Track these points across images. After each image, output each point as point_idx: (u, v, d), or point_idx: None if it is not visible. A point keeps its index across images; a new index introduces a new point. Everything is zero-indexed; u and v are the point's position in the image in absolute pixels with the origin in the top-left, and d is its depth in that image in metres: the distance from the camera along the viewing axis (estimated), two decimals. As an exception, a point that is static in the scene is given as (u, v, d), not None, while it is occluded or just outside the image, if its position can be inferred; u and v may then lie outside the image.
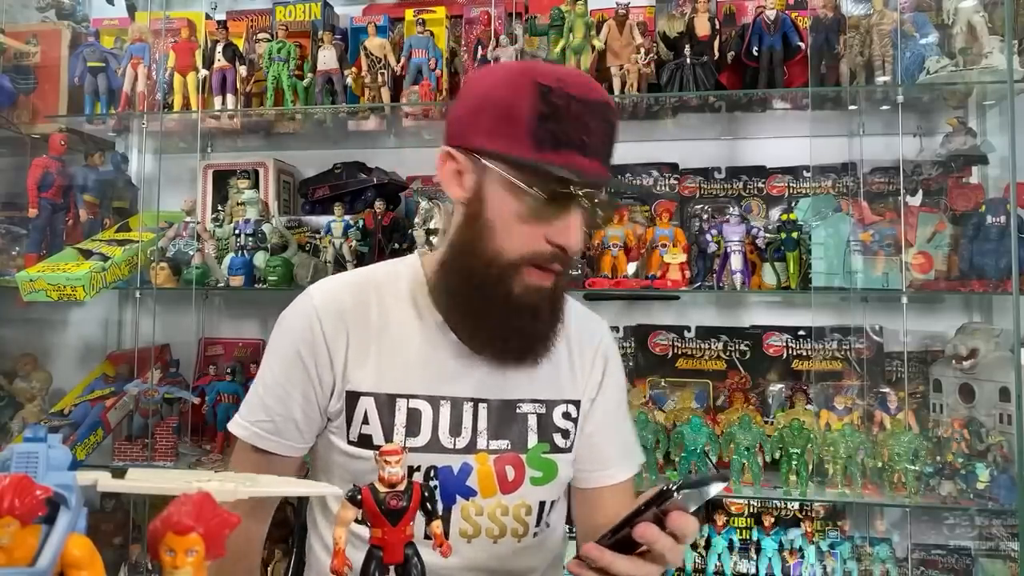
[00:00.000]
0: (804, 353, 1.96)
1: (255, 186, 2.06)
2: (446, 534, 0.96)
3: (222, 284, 1.97)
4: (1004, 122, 1.74)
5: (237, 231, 1.97)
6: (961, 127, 1.81)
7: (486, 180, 0.92)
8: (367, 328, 1.00)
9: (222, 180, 2.15)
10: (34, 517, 0.44)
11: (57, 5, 2.19)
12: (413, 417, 0.98)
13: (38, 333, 2.30)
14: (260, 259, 1.94)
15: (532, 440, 1.02)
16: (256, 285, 1.95)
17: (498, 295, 0.92)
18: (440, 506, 0.96)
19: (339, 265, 1.94)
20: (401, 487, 0.67)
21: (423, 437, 0.97)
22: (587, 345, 1.11)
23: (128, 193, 2.23)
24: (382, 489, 0.66)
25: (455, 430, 0.99)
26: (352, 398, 0.98)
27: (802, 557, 1.77)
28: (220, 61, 1.95)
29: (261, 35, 2.01)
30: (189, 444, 2.00)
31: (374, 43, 1.93)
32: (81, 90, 2.05)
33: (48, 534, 0.46)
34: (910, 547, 1.80)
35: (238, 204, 2.03)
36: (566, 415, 1.05)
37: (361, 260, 1.93)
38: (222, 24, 2.05)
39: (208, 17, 2.13)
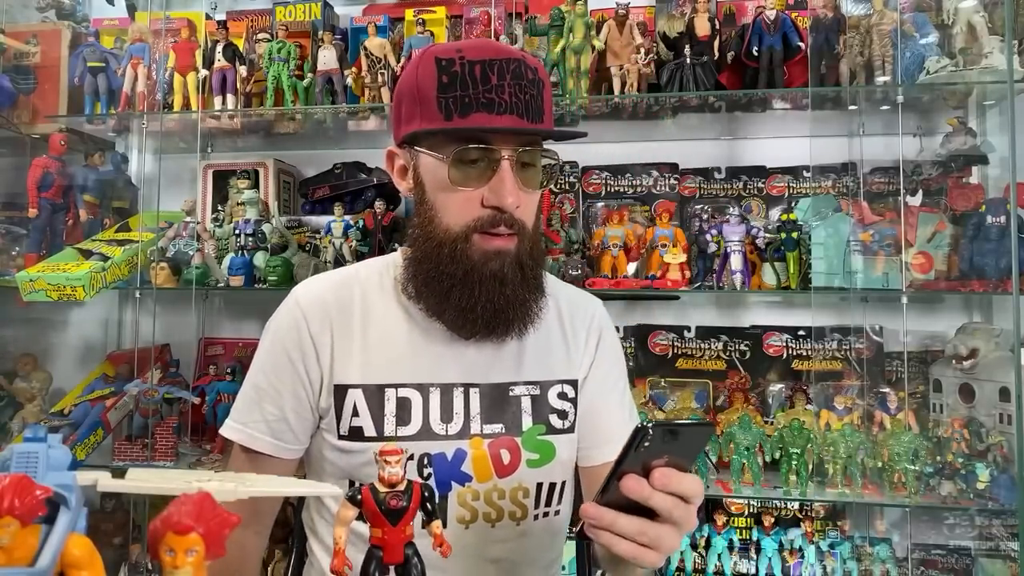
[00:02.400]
0: (804, 353, 1.96)
1: (255, 186, 2.06)
2: (444, 521, 0.96)
3: (222, 284, 1.97)
4: (1004, 122, 1.73)
5: (237, 231, 1.97)
6: (961, 127, 1.81)
7: (419, 165, 0.97)
8: (351, 323, 1.01)
9: (222, 180, 2.15)
10: (34, 517, 0.44)
11: (57, 5, 2.19)
12: (403, 406, 0.98)
13: (38, 333, 2.30)
14: (260, 259, 1.95)
15: (527, 423, 1.02)
16: (256, 285, 1.95)
17: (458, 269, 0.93)
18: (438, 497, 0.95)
19: (339, 265, 1.94)
20: (401, 487, 0.66)
21: (414, 425, 0.98)
22: (580, 322, 1.11)
23: (128, 193, 2.23)
24: (382, 489, 0.66)
25: (446, 416, 0.99)
26: (340, 392, 0.99)
27: (802, 557, 1.77)
28: (220, 61, 1.95)
29: (261, 35, 2.01)
30: (189, 444, 2.00)
31: (374, 43, 1.93)
32: (81, 90, 2.05)
33: (48, 534, 0.46)
34: (910, 547, 1.80)
35: (238, 204, 2.03)
36: (562, 395, 1.05)
37: (361, 260, 1.93)
38: (222, 24, 2.05)
39: (208, 17, 2.13)
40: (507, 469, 1.00)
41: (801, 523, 1.83)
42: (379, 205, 1.94)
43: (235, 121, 2.08)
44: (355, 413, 0.98)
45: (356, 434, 0.98)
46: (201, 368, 2.16)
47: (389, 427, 0.97)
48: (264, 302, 2.23)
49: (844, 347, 1.91)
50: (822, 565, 1.76)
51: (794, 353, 1.96)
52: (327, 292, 1.04)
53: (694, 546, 1.85)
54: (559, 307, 1.10)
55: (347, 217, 1.94)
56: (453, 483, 0.98)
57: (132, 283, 1.99)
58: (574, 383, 1.07)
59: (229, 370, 1.98)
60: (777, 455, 1.71)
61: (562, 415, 1.04)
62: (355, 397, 0.98)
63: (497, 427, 1.00)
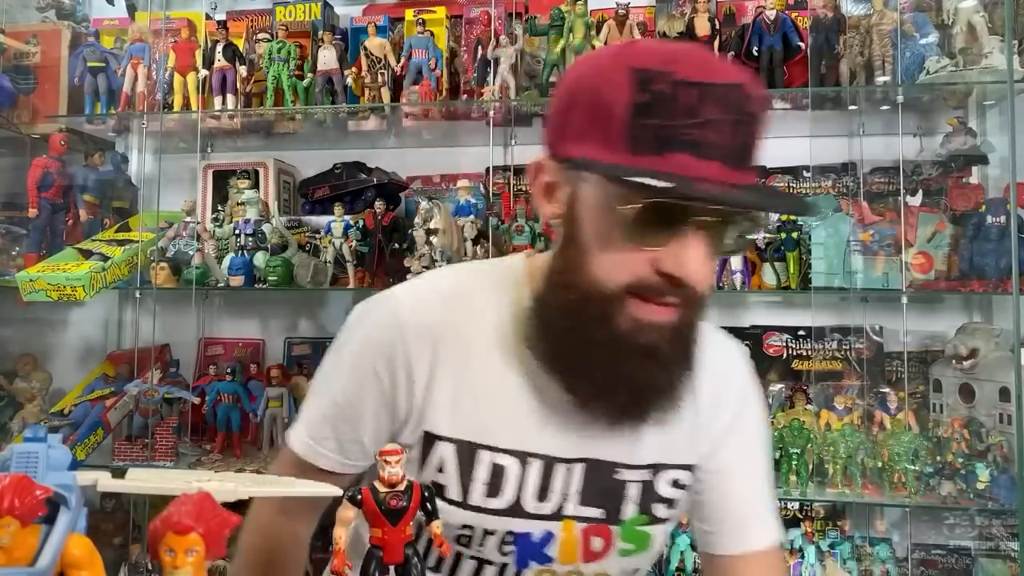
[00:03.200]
0: (804, 353, 1.96)
1: (255, 186, 2.06)
2: None
3: (222, 284, 1.97)
4: (1004, 122, 1.74)
5: (237, 231, 1.97)
6: (961, 127, 1.81)
7: (580, 193, 0.76)
8: (456, 354, 0.84)
9: (222, 180, 2.15)
10: (34, 517, 0.44)
11: (57, 5, 2.19)
12: (496, 474, 0.83)
13: (38, 333, 2.30)
14: (260, 259, 1.94)
15: (629, 512, 0.86)
16: (256, 285, 1.95)
17: (600, 335, 0.74)
18: (513, 568, 0.86)
19: (339, 265, 1.94)
20: (401, 487, 0.66)
21: (505, 499, 0.83)
22: (720, 388, 0.92)
23: (128, 193, 2.23)
24: (382, 489, 0.66)
25: (542, 494, 0.84)
26: (429, 440, 0.84)
27: (802, 557, 1.77)
28: (220, 61, 1.95)
29: (261, 35, 2.01)
30: (189, 444, 2.00)
31: (374, 43, 1.93)
32: (81, 90, 2.05)
33: (48, 534, 0.46)
34: (910, 547, 1.80)
35: (238, 204, 2.03)
36: (675, 483, 0.89)
37: (361, 260, 1.93)
38: (222, 24, 2.05)
39: (208, 17, 2.13)
40: (595, 556, 0.87)
41: (801, 523, 1.83)
42: (379, 205, 1.94)
43: (235, 121, 2.08)
44: (440, 469, 0.84)
45: (437, 491, 0.83)
46: (201, 368, 2.16)
47: (476, 495, 0.83)
48: (264, 302, 2.24)
49: (844, 347, 1.91)
50: (822, 565, 1.76)
51: (794, 353, 1.96)
52: (436, 311, 0.86)
53: (694, 546, 1.84)
54: (696, 371, 0.86)
55: (347, 217, 1.94)
56: (532, 562, 0.86)
57: (132, 283, 1.99)
58: (691, 468, 0.90)
59: (229, 370, 1.98)
60: (777, 455, 1.71)
61: (669, 504, 0.89)
62: (443, 452, 0.84)
63: (595, 512, 0.85)
